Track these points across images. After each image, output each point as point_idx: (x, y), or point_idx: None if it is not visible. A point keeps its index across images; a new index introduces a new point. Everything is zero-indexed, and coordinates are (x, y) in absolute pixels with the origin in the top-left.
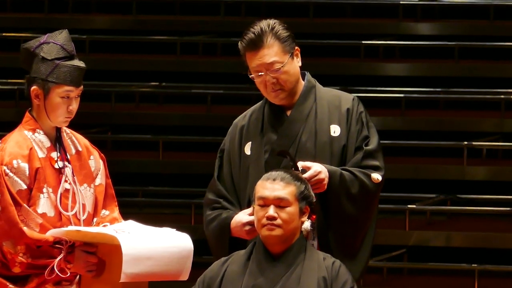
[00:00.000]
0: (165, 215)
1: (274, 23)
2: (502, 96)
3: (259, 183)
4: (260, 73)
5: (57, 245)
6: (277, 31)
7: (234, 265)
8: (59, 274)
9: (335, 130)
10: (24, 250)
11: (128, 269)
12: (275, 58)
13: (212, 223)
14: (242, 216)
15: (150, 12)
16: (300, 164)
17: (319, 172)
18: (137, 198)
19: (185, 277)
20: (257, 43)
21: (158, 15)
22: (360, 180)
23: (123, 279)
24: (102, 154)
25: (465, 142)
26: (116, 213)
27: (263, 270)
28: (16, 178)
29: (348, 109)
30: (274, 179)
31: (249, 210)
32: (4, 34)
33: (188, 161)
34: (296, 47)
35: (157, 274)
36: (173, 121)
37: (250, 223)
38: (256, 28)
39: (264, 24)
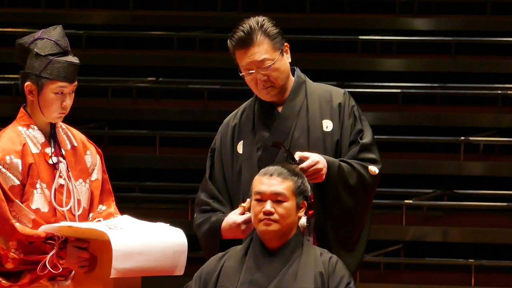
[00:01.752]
0: (161, 210)
1: (263, 20)
2: (499, 92)
3: (256, 178)
4: (250, 71)
5: (49, 241)
6: (267, 28)
7: (231, 260)
8: (51, 270)
9: (327, 125)
10: (16, 246)
11: (118, 264)
12: (265, 55)
13: (202, 226)
14: (235, 217)
15: (147, 7)
16: (298, 154)
17: (317, 162)
18: (134, 193)
19: (179, 272)
20: (247, 41)
21: (155, 11)
22: (358, 172)
23: (113, 274)
24: (99, 149)
25: (462, 137)
26: (113, 208)
27: (260, 265)
28: (9, 174)
29: (339, 104)
30: (271, 174)
31: (239, 210)
32: (1, 29)
33: (185, 156)
34: (286, 43)
35: (150, 270)
36: (170, 116)
37: (246, 222)
38: (245, 26)
39: (253, 21)
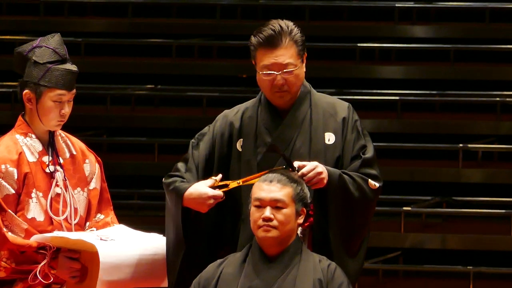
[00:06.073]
0: (160, 217)
1: (293, 25)
2: (498, 99)
3: (256, 184)
4: (270, 72)
5: (41, 251)
6: (295, 34)
7: (229, 267)
8: (42, 280)
9: (329, 138)
10: (7, 255)
11: (104, 276)
12: (290, 60)
13: (167, 188)
14: (207, 189)
15: (146, 15)
16: (296, 164)
17: (316, 166)
18: (133, 200)
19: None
20: (275, 42)
21: (154, 18)
22: (358, 184)
23: (98, 286)
24: (98, 158)
25: (461, 145)
26: (110, 217)
27: (258, 272)
28: (4, 183)
29: (344, 118)
30: (270, 181)
31: (210, 182)
32: None
33: None
34: (305, 53)
35: (138, 281)
36: (168, 123)
37: (215, 198)
38: (276, 26)
39: (283, 24)
